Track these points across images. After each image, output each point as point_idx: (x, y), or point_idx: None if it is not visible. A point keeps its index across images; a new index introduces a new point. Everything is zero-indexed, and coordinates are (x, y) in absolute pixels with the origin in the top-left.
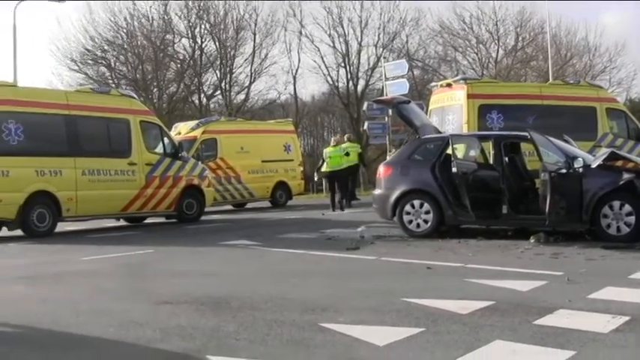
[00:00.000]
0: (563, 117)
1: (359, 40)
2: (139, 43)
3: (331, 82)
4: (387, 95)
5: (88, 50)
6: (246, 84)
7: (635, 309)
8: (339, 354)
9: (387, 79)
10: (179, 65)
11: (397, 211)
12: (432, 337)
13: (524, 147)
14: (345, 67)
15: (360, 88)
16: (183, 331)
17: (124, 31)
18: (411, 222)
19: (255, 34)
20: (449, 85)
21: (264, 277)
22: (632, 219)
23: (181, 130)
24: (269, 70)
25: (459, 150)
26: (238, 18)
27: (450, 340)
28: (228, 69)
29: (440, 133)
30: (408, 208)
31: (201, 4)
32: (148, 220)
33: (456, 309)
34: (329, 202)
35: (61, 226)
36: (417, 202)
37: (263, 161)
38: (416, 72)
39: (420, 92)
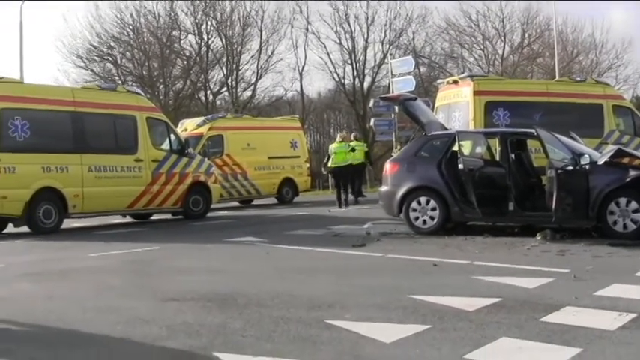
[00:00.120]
0: (569, 114)
1: (365, 36)
2: (145, 39)
3: (337, 79)
4: (393, 92)
5: (94, 47)
6: (253, 81)
7: None
8: (345, 351)
9: (393, 75)
10: (185, 62)
11: (404, 208)
12: (439, 334)
13: (531, 144)
14: (351, 63)
15: (366, 84)
16: (190, 328)
17: (131, 27)
18: (417, 219)
19: (261, 31)
20: (455, 82)
21: (270, 273)
22: (638, 216)
23: (188, 126)
24: (275, 67)
25: (466, 147)
26: (245, 15)
27: (457, 337)
28: (234, 66)
29: (446, 129)
30: (414, 205)
31: (208, 1)
32: (155, 217)
33: (462, 306)
34: (335, 199)
35: (68, 223)
36: (423, 199)
37: (269, 158)
38: (422, 69)
39: (427, 89)
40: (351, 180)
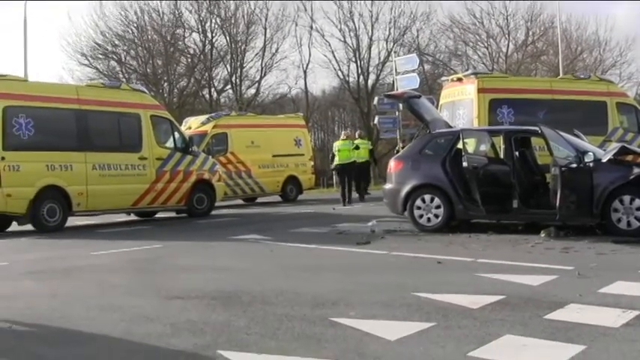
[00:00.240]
0: (573, 111)
1: (370, 34)
2: (149, 37)
3: (342, 77)
4: (397, 90)
5: (98, 45)
6: (257, 78)
7: None
8: (349, 348)
9: (397, 73)
10: (189, 60)
11: (408, 205)
12: (443, 332)
13: (535, 141)
14: (355, 61)
15: (370, 82)
16: (194, 326)
17: (135, 25)
18: (421, 216)
19: (265, 29)
20: (459, 79)
21: (274, 271)
22: None
23: (192, 124)
24: (280, 65)
25: (470, 144)
26: (249, 12)
27: (461, 335)
28: (238, 63)
29: (450, 127)
30: (418, 202)
31: None
32: (159, 215)
33: (466, 303)
34: (339, 197)
35: (72, 221)
36: (427, 197)
37: (274, 156)
38: (426, 66)
39: (431, 87)
40: (356, 178)
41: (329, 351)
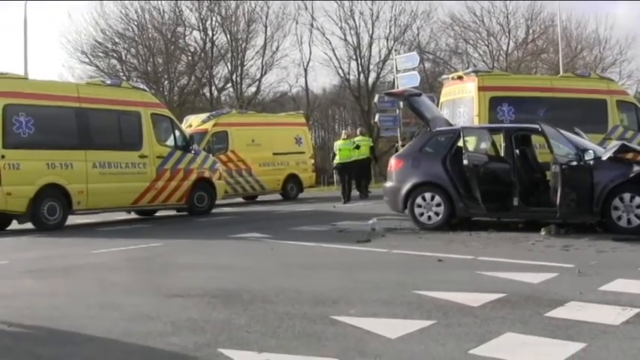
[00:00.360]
0: (573, 109)
1: (370, 32)
2: (149, 35)
3: (342, 75)
4: (398, 88)
5: (98, 43)
6: (258, 76)
7: None
8: (350, 346)
9: (398, 71)
10: (190, 58)
11: (408, 203)
12: (444, 330)
13: (535, 139)
14: (356, 59)
15: (371, 80)
16: (194, 325)
17: (135, 23)
18: (422, 214)
19: (266, 27)
20: (460, 77)
21: (275, 269)
22: None
23: (192, 122)
24: (280, 63)
25: (470, 142)
26: (249, 10)
27: (461, 333)
28: (239, 61)
29: (451, 125)
30: (419, 200)
31: None
32: (159, 213)
33: (467, 301)
34: (340, 195)
35: (72, 219)
36: (428, 195)
37: (274, 154)
38: (427, 64)
39: (431, 85)
40: (357, 175)
41: (329, 349)
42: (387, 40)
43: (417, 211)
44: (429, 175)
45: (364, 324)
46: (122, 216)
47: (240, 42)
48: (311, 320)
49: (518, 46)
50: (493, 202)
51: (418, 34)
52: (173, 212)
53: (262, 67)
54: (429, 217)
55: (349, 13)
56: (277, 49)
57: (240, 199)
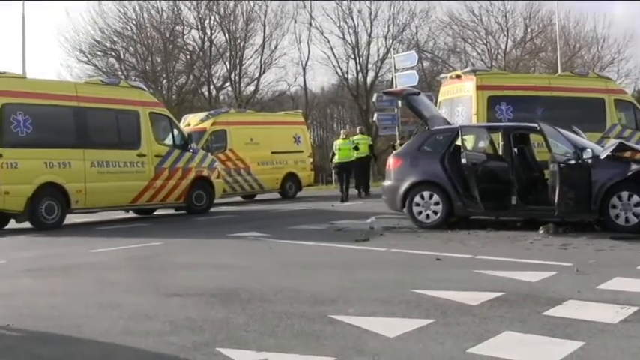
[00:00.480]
0: (571, 108)
1: (369, 31)
2: (148, 34)
3: (341, 74)
4: (396, 87)
5: (97, 42)
6: (256, 75)
7: None
8: (348, 345)
9: (396, 70)
10: (188, 57)
11: (407, 202)
12: (442, 329)
13: (534, 138)
14: (354, 58)
15: (369, 79)
16: (193, 324)
17: (134, 22)
18: (420, 213)
19: (264, 26)
20: (458, 76)
21: (273, 268)
22: None
23: (191, 121)
24: (278, 62)
25: (469, 141)
26: (248, 9)
27: (460, 332)
28: (237, 60)
29: (449, 124)
30: (417, 199)
31: None
32: (157, 212)
33: (465, 300)
34: (338, 194)
35: (70, 219)
36: (426, 194)
37: (272, 153)
38: (425, 63)
39: (430, 84)
40: (356, 175)
41: (328, 348)
42: (386, 39)
43: (415, 209)
44: (427, 174)
45: (363, 323)
46: (120, 215)
47: (239, 41)
48: (309, 319)
49: (517, 45)
50: (491, 201)
51: (417, 33)
52: (171, 211)
53: (261, 66)
54: (428, 216)
55: (348, 12)
56: (276, 48)
57: (238, 198)
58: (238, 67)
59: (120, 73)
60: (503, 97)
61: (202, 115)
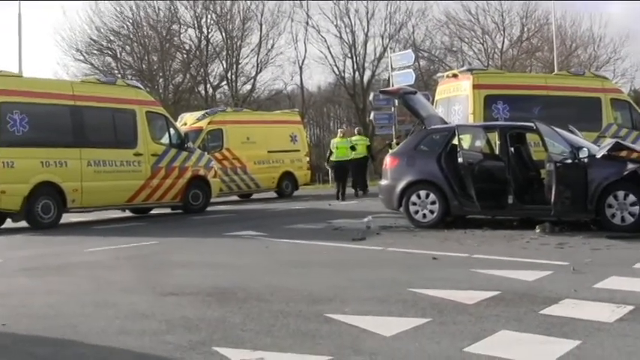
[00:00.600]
0: (568, 107)
1: (365, 30)
2: (144, 33)
3: (337, 73)
4: (393, 86)
5: (93, 40)
6: (253, 74)
7: (639, 298)
8: (345, 345)
9: (393, 69)
10: (185, 55)
11: (403, 201)
12: (438, 328)
13: (530, 137)
14: (351, 57)
15: (366, 78)
16: (189, 323)
17: (130, 21)
18: (417, 212)
19: (261, 25)
20: (455, 75)
21: (270, 267)
22: (636, 209)
23: (187, 120)
24: (275, 61)
25: (465, 140)
26: (245, 8)
27: (456, 331)
28: (234, 59)
29: (446, 123)
30: (414, 198)
31: None
32: (154, 211)
33: (462, 299)
34: (335, 193)
35: (67, 218)
36: (423, 193)
37: (269, 152)
38: (422, 62)
39: (426, 83)
40: (354, 174)
41: (324, 347)
42: (382, 38)
43: (411, 209)
44: (423, 173)
45: (359, 322)
46: (117, 214)
47: (236, 40)
48: (306, 318)
49: (513, 45)
50: (488, 200)
51: (413, 32)
52: (168, 210)
53: (257, 64)
54: (424, 215)
55: (344, 11)
56: (272, 46)
57: (235, 197)
58: (235, 65)
59: (116, 71)
60: (499, 96)
61: (199, 114)
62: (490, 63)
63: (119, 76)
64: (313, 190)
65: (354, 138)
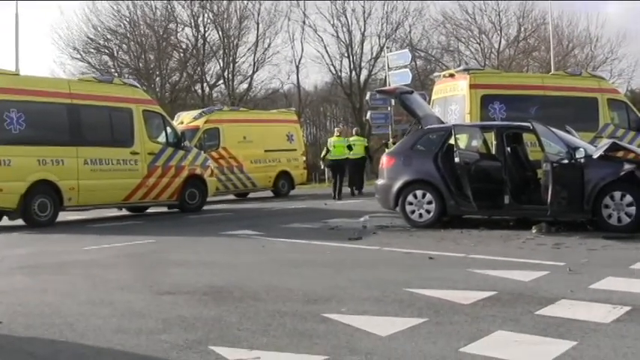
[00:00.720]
0: (564, 107)
1: (362, 30)
2: (141, 31)
3: (334, 72)
4: (389, 85)
5: (90, 39)
6: (249, 73)
7: (635, 299)
8: (341, 344)
9: (389, 69)
10: (182, 54)
11: (400, 201)
12: (435, 328)
13: (527, 137)
14: (348, 56)
15: (362, 77)
16: (185, 322)
17: (127, 19)
18: (413, 212)
19: (258, 24)
20: (451, 75)
21: (266, 267)
22: (632, 209)
23: (184, 119)
24: (272, 60)
25: (462, 140)
26: (241, 7)
27: (452, 331)
28: (231, 58)
29: (442, 123)
30: (410, 198)
31: None
32: (150, 210)
33: (458, 299)
34: (331, 192)
35: (63, 216)
36: (419, 193)
37: (266, 151)
38: (419, 62)
39: (423, 82)
40: (351, 173)
41: (320, 347)
42: (379, 38)
43: (408, 208)
44: (420, 173)
45: (355, 322)
46: (113, 213)
47: (232, 39)
48: (302, 318)
49: (510, 44)
50: (484, 200)
51: (410, 32)
52: (164, 209)
53: (254, 63)
54: (421, 215)
55: (341, 11)
56: (269, 46)
57: (231, 196)
58: (232, 64)
59: (113, 70)
60: (496, 96)
61: (195, 112)
62: (487, 63)
63: (116, 74)
64: (309, 190)
65: (351, 138)
